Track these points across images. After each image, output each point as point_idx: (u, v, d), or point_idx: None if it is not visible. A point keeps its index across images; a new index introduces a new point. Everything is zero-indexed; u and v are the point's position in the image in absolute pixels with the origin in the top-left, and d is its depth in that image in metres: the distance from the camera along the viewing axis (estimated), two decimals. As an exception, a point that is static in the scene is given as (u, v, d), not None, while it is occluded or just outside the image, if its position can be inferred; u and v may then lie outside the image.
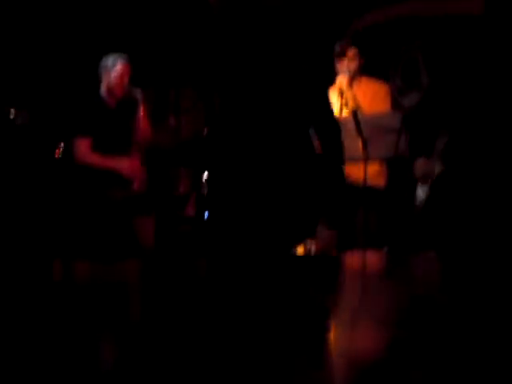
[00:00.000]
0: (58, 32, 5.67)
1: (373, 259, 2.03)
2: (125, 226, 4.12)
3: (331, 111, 2.83)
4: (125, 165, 4.12)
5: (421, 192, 4.59)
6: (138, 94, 4.24)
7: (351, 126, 4.07)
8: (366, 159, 4.02)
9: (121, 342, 0.73)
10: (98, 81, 4.26)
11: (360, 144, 4.01)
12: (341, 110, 4.49)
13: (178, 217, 4.96)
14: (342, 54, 4.52)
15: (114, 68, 4.18)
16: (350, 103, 4.45)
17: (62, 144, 4.67)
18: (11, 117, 4.89)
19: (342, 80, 4.47)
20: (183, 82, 6.41)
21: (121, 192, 4.14)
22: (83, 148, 4.11)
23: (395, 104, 4.93)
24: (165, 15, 6.24)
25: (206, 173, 4.37)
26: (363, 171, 4.03)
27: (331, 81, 4.45)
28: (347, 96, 4.48)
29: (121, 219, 4.12)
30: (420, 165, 4.60)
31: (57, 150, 4.68)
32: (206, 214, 4.10)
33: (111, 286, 1.26)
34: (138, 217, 4.21)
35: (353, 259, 2.15)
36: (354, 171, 4.09)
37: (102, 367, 0.62)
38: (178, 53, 6.34)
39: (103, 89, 4.25)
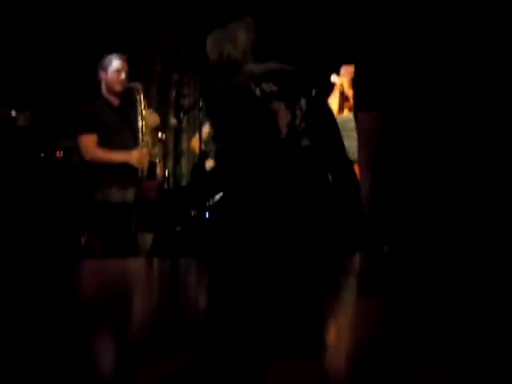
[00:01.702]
0: (59, 34, 5.68)
1: (371, 259, 2.04)
2: (124, 226, 4.13)
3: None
4: (133, 155, 4.17)
5: None
6: (137, 86, 4.28)
7: (351, 125, 4.08)
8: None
9: (122, 340, 0.74)
10: (98, 83, 4.30)
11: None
12: (341, 109, 4.51)
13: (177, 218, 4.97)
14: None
15: (111, 65, 4.24)
16: (352, 103, 4.47)
17: (63, 145, 4.68)
18: (13, 117, 4.90)
19: (343, 80, 4.49)
20: (184, 81, 6.42)
21: (120, 192, 4.15)
22: (89, 143, 4.14)
23: None
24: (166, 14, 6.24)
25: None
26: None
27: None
28: (349, 96, 4.50)
29: (120, 219, 4.13)
30: None
31: (58, 151, 4.69)
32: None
33: (110, 285, 1.27)
34: (137, 217, 4.22)
35: (352, 259, 2.16)
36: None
37: (101, 368, 0.63)
38: (179, 52, 6.34)
39: (103, 88, 4.29)
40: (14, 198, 4.45)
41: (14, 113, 4.83)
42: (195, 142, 4.87)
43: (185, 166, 6.69)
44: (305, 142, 2.68)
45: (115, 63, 4.24)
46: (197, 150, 4.74)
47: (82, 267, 1.71)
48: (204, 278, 1.52)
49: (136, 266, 1.85)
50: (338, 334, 0.81)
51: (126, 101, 4.34)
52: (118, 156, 4.17)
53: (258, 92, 2.67)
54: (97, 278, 1.45)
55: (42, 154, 4.77)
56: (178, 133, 6.65)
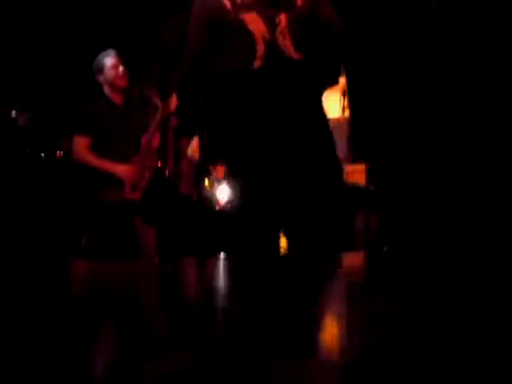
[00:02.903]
0: (59, 34, 5.68)
1: (370, 260, 2.04)
2: (124, 226, 4.12)
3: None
4: (120, 169, 4.06)
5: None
6: (158, 101, 4.20)
7: (352, 125, 4.08)
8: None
9: (122, 340, 0.74)
10: (98, 83, 4.26)
11: (360, 144, 4.02)
12: (343, 109, 4.51)
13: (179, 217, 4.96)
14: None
15: (105, 65, 4.18)
16: None
17: (63, 145, 4.67)
18: (13, 118, 4.89)
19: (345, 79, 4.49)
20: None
21: (120, 193, 4.13)
22: (80, 146, 4.09)
23: None
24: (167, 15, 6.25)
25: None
26: (363, 172, 4.03)
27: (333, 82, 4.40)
28: None
29: (120, 219, 4.12)
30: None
31: (58, 151, 4.68)
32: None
33: (111, 285, 1.27)
34: (137, 217, 4.21)
35: (352, 260, 2.16)
36: (354, 172, 4.10)
37: (102, 366, 0.63)
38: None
39: (106, 89, 4.23)
40: (14, 198, 4.44)
41: (14, 113, 4.82)
42: (195, 149, 4.79)
43: (185, 167, 6.68)
44: (295, 56, 2.42)
45: (108, 61, 4.18)
46: (196, 157, 4.68)
47: (81, 267, 1.71)
48: (204, 277, 1.52)
49: (136, 266, 1.84)
50: (338, 334, 0.81)
51: (132, 102, 4.29)
52: (103, 165, 4.08)
53: (227, 2, 2.45)
54: (96, 278, 1.45)
55: (42, 154, 4.76)
56: (178, 133, 6.64)
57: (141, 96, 4.27)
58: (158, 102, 4.19)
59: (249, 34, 2.35)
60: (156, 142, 4.25)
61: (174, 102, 4.29)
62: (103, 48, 4.41)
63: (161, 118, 4.19)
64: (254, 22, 2.36)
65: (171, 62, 6.46)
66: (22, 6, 5.50)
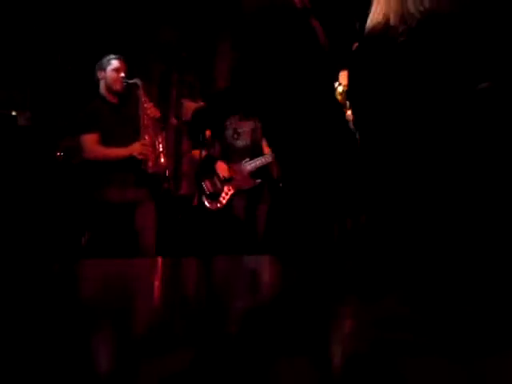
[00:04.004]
0: (59, 35, 5.68)
1: (370, 259, 2.04)
2: (124, 226, 4.13)
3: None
4: (136, 148, 4.16)
5: None
6: (137, 81, 4.28)
7: (350, 124, 4.07)
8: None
9: (123, 340, 0.74)
10: (96, 84, 4.30)
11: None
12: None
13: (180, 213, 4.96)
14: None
15: (109, 65, 4.23)
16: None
17: (63, 145, 4.68)
18: (13, 117, 4.90)
19: (344, 78, 4.49)
20: (184, 81, 6.43)
21: (120, 192, 4.15)
22: (91, 142, 4.13)
23: None
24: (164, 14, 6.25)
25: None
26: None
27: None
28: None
29: (120, 219, 4.13)
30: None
31: (58, 151, 4.69)
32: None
33: (112, 284, 1.27)
34: (139, 216, 4.22)
35: (351, 259, 2.16)
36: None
37: (102, 368, 0.63)
38: (179, 51, 6.35)
39: (102, 87, 4.28)
40: (14, 198, 4.45)
41: (14, 113, 4.83)
42: (195, 150, 4.82)
43: (186, 166, 6.69)
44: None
45: (113, 62, 4.25)
46: (196, 157, 4.71)
47: (82, 267, 1.71)
48: (204, 277, 1.52)
49: (136, 266, 1.85)
50: (338, 334, 0.81)
51: (124, 99, 4.34)
52: (119, 151, 4.16)
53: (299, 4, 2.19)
54: (97, 277, 1.45)
55: (42, 154, 4.77)
56: (178, 133, 6.65)
57: (129, 88, 4.32)
58: (136, 81, 4.25)
59: (316, 41, 2.28)
60: (156, 113, 4.32)
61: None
62: (103, 48, 4.43)
63: (143, 94, 4.26)
64: (320, 31, 2.31)
65: (171, 62, 6.47)
66: (22, 6, 5.50)
